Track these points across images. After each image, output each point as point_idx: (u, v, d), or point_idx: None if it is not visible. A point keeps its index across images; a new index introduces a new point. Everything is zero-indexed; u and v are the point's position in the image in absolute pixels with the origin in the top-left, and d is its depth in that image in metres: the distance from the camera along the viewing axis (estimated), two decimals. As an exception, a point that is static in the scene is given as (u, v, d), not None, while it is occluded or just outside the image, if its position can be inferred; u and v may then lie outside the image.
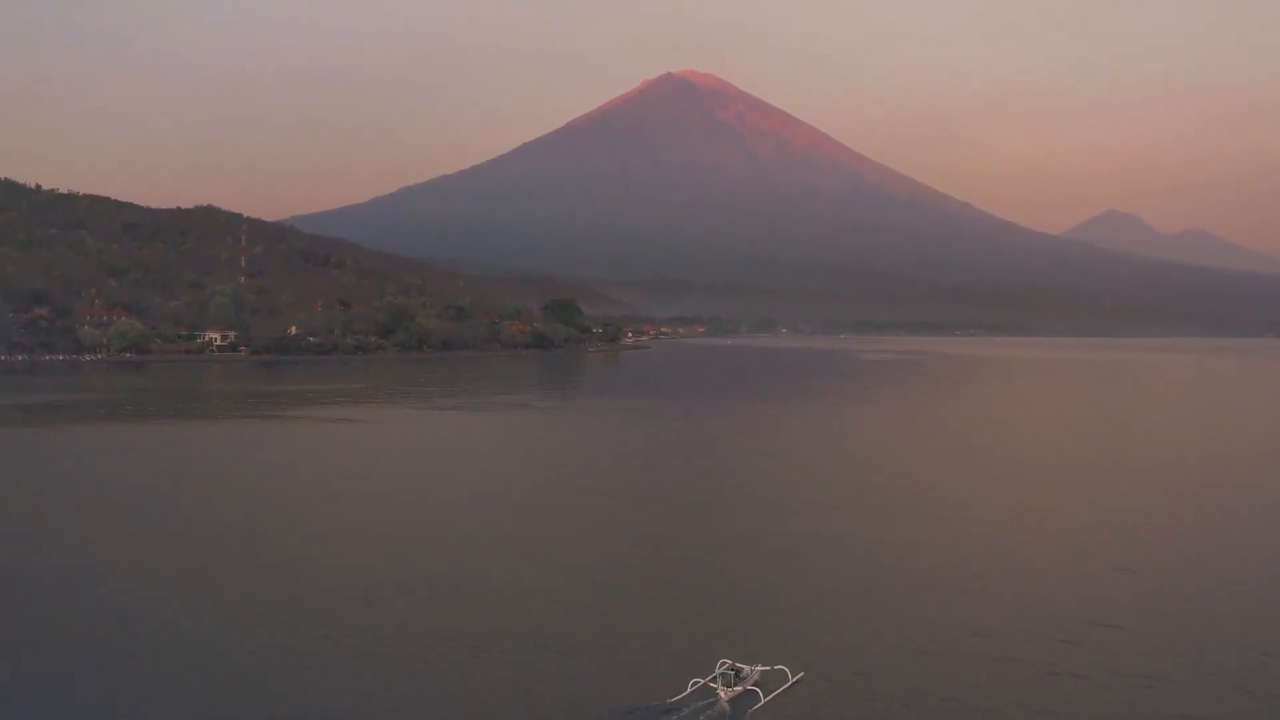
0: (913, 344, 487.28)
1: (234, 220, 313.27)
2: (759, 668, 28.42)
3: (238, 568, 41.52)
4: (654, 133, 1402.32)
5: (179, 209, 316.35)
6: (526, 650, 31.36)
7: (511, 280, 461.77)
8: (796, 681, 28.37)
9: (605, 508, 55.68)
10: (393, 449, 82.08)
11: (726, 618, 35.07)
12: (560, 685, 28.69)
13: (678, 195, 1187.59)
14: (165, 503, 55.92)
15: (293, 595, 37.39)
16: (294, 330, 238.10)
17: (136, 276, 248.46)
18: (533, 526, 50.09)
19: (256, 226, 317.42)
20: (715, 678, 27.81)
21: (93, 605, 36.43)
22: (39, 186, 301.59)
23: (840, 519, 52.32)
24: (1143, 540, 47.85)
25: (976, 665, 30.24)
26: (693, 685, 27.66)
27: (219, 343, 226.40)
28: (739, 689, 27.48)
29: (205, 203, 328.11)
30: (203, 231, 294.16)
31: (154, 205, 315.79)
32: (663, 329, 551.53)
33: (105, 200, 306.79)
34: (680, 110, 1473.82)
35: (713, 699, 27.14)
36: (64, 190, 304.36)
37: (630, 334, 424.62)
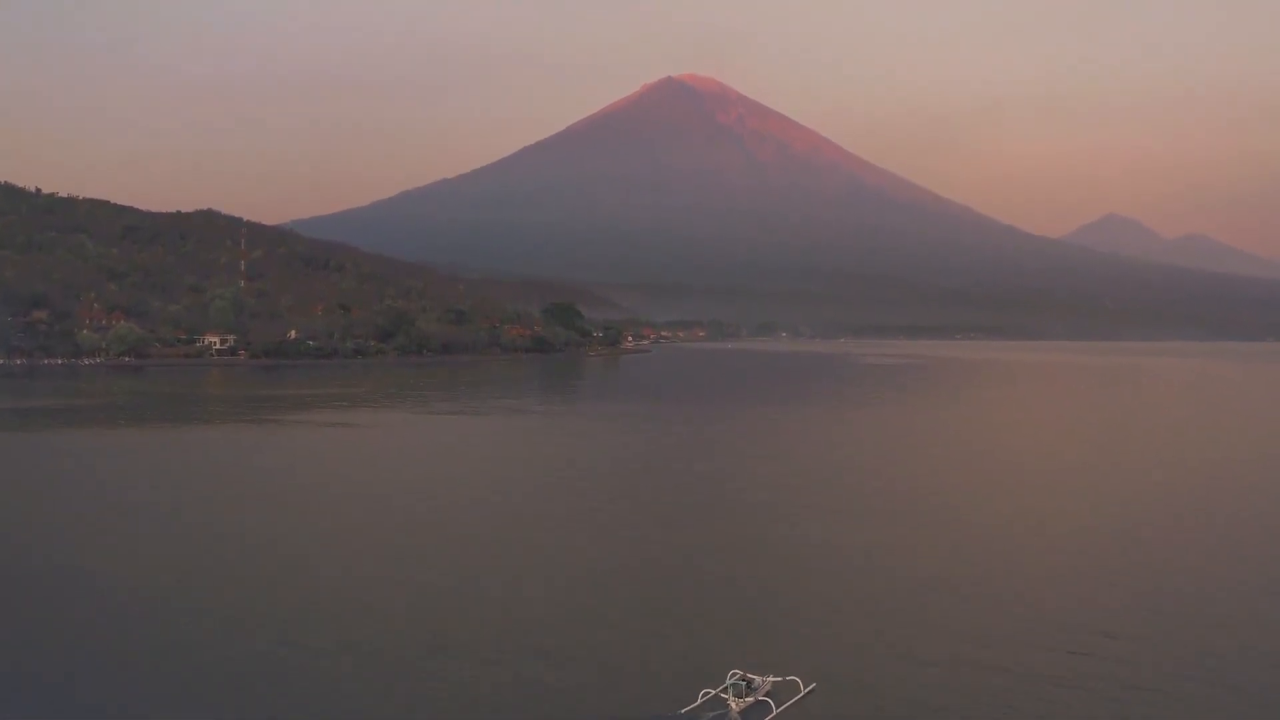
0: (913, 348, 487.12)
1: (234, 224, 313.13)
2: (770, 678, 27.85)
3: (234, 571, 41.13)
4: (654, 136, 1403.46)
5: (179, 213, 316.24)
6: (529, 659, 30.87)
7: (511, 284, 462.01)
8: (809, 692, 27.77)
9: (606, 512, 55.27)
10: (392, 453, 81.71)
11: (732, 626, 34.58)
12: (566, 695, 28.25)
13: (678, 199, 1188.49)
14: (163, 506, 55.51)
15: (289, 601, 37.01)
16: (294, 334, 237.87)
17: (136, 280, 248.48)
18: (533, 531, 49.70)
19: (257, 230, 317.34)
20: (726, 688, 27.25)
21: (90, 607, 36.08)
22: (38, 190, 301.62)
23: (842, 523, 51.93)
24: (1146, 544, 47.45)
25: (989, 676, 29.77)
26: (703, 696, 27.15)
27: (218, 346, 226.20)
28: (750, 700, 26.90)
29: (205, 206, 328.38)
30: (203, 235, 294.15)
31: (154, 209, 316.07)
32: (663, 333, 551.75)
33: (105, 204, 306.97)
34: (680, 114, 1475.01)
35: (724, 710, 26.67)
36: (63, 194, 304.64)
37: (630, 338, 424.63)
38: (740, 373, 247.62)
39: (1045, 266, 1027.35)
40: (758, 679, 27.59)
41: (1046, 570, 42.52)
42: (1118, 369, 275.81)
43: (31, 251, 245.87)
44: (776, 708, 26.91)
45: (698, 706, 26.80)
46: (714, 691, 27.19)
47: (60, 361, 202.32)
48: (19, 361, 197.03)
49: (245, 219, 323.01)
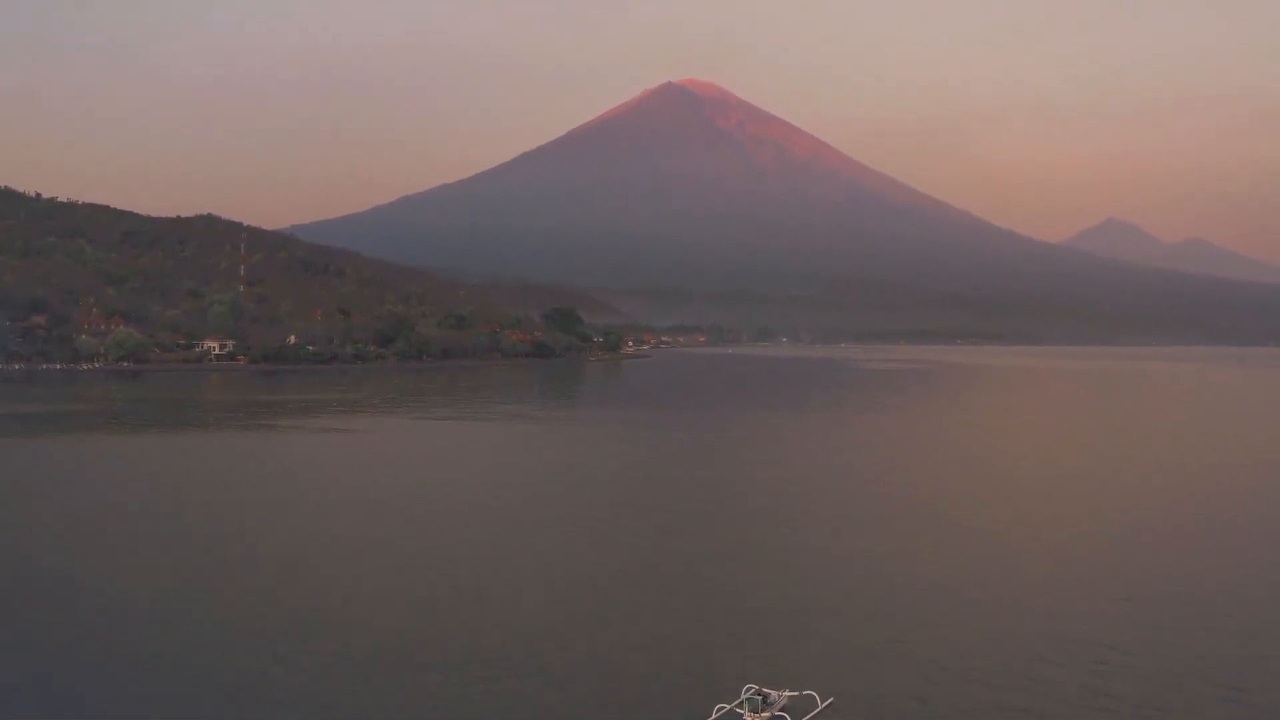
0: (913, 353, 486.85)
1: (234, 229, 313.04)
2: (786, 692, 27.10)
3: (231, 578, 40.83)
4: (654, 142, 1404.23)
5: (179, 217, 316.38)
6: (531, 676, 30.12)
7: (512, 289, 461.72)
8: (826, 707, 27.00)
9: (607, 519, 54.99)
10: (391, 459, 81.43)
11: (739, 635, 34.12)
12: (576, 710, 27.64)
13: (678, 204, 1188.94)
14: (161, 512, 55.23)
15: (286, 609, 36.64)
16: (293, 339, 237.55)
17: (135, 285, 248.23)
18: (533, 538, 49.39)
19: (256, 235, 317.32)
20: (741, 703, 26.57)
21: (87, 613, 35.80)
22: (38, 195, 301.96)
23: (843, 530, 51.65)
24: (1146, 549, 47.17)
25: (1004, 689, 29.33)
26: (718, 711, 26.52)
27: (217, 352, 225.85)
28: (767, 716, 26.25)
29: (205, 211, 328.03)
30: (202, 240, 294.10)
31: (154, 213, 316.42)
32: (663, 338, 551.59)
33: (104, 209, 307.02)
34: (680, 119, 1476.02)
35: None
36: (63, 198, 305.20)
37: (631, 343, 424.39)
38: (740, 378, 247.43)
39: (1045, 271, 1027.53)
40: (774, 693, 26.81)
41: (1048, 577, 42.20)
42: (1117, 374, 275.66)
43: (30, 256, 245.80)
44: None
45: None
46: (729, 707, 26.57)
47: (59, 367, 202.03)
48: (17, 367, 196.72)
49: (245, 224, 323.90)
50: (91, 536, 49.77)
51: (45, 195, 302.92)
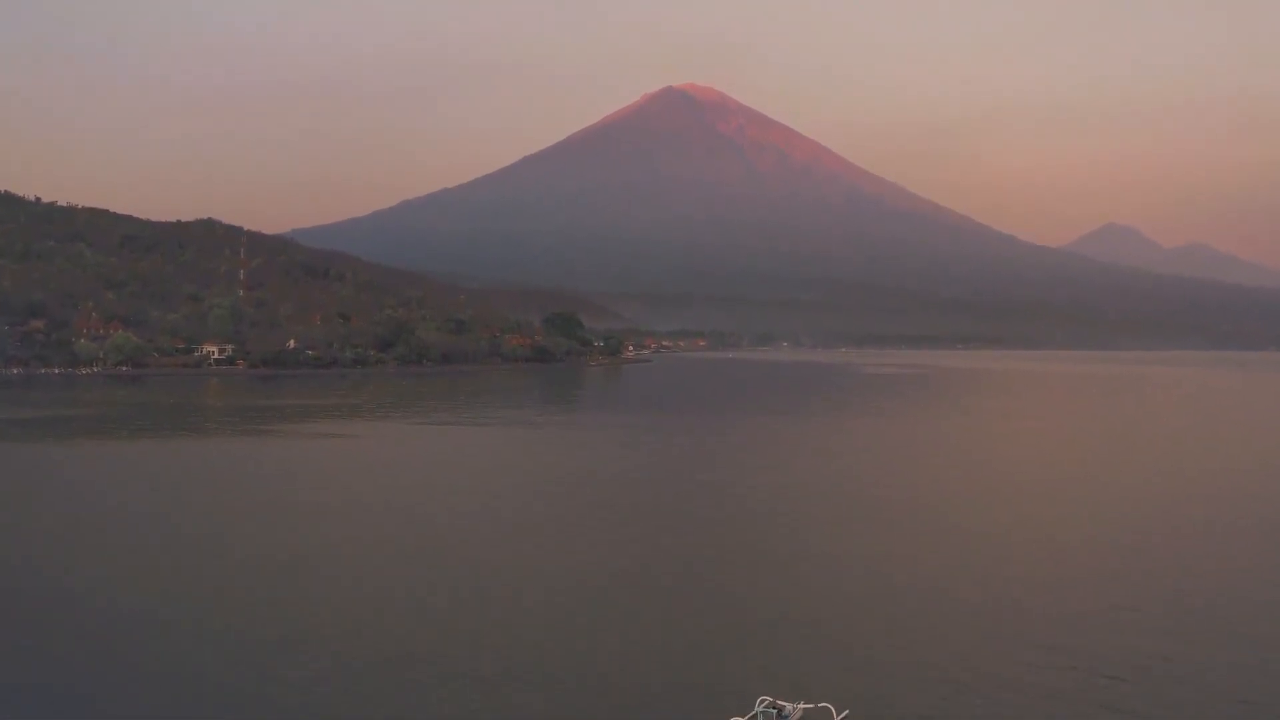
0: (914, 357, 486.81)
1: (233, 233, 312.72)
2: (801, 705, 26.71)
3: (229, 584, 40.46)
4: (654, 146, 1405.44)
5: (178, 221, 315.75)
6: (537, 684, 29.66)
7: (512, 293, 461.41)
8: (843, 719, 26.91)
9: (608, 523, 54.60)
10: (390, 463, 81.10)
11: (745, 644, 33.66)
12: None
13: (678, 208, 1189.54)
14: (159, 517, 54.90)
15: (284, 617, 36.20)
16: (293, 343, 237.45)
17: (134, 289, 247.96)
18: (533, 543, 48.99)
19: (256, 239, 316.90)
20: (755, 716, 26.34)
21: (86, 617, 35.45)
22: (38, 199, 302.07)
23: (844, 534, 51.28)
24: (1147, 554, 46.80)
25: (1018, 699, 28.91)
26: None
27: (217, 356, 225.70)
28: None
29: (205, 215, 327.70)
30: (202, 244, 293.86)
31: (153, 217, 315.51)
32: (664, 342, 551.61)
33: (104, 213, 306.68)
34: (680, 123, 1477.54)
35: None
36: (62, 203, 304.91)
37: (631, 347, 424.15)
38: (741, 382, 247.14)
39: (1045, 276, 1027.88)
40: (788, 706, 26.31)
41: (1050, 582, 41.81)
42: (1118, 378, 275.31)
43: (29, 260, 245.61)
44: None
45: None
46: None
47: (57, 371, 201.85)
48: (16, 371, 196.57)
49: (245, 228, 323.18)
50: (90, 540, 49.45)
51: (44, 199, 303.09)
